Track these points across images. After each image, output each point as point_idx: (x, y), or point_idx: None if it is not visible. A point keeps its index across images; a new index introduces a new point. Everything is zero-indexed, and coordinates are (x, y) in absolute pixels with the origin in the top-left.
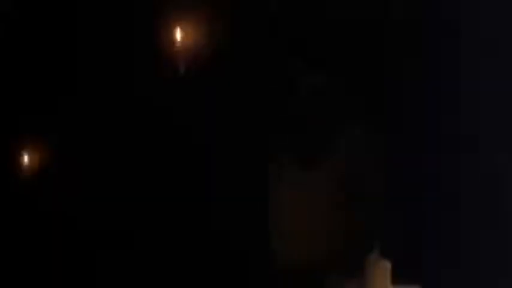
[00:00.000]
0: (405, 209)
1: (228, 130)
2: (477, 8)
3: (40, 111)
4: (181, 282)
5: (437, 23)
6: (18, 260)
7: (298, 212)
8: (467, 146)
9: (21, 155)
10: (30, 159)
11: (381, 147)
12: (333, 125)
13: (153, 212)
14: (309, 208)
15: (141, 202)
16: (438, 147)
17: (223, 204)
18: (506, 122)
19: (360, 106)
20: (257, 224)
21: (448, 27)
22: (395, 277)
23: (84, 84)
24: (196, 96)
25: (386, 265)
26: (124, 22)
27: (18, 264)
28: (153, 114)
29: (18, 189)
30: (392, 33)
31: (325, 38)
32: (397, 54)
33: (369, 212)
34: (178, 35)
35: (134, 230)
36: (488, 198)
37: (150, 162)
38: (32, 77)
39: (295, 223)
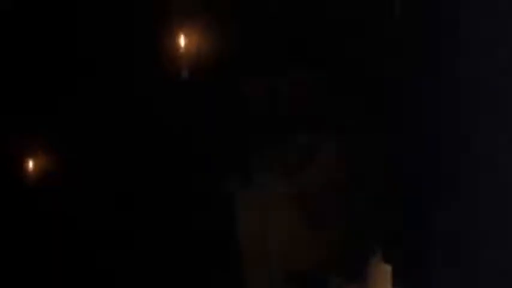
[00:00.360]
0: (405, 209)
1: (229, 133)
2: (477, 7)
3: (41, 112)
4: (181, 282)
5: (437, 23)
6: (18, 260)
7: (296, 213)
8: (468, 146)
9: (21, 156)
10: (29, 160)
11: (381, 147)
12: (332, 125)
13: (153, 213)
14: (308, 209)
15: (140, 203)
16: (438, 147)
17: (223, 205)
18: (507, 122)
19: (360, 106)
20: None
21: (448, 27)
22: (396, 278)
23: (85, 87)
24: (198, 100)
25: (387, 268)
26: (126, 26)
27: (18, 265)
28: (154, 119)
29: (18, 190)
30: (393, 33)
31: (325, 38)
32: (397, 54)
33: (369, 213)
34: (181, 40)
35: (131, 230)
36: (489, 198)
37: (150, 165)
38: (33, 78)
39: (294, 224)
